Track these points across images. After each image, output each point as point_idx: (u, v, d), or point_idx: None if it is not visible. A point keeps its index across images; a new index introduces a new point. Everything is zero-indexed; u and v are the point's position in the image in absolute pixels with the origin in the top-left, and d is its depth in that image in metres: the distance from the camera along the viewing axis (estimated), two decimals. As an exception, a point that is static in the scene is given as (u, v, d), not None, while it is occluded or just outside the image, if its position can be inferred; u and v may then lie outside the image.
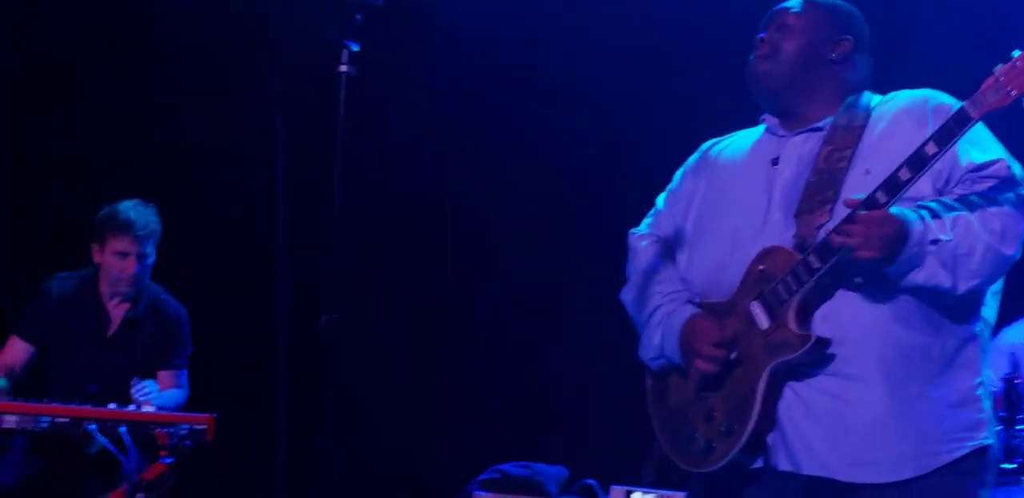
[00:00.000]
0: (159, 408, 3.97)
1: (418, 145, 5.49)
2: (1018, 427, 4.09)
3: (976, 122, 2.27)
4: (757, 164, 2.63)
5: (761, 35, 2.66)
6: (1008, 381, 4.03)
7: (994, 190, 2.39)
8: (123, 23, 5.46)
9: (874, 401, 2.37)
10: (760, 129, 2.73)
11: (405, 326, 5.53)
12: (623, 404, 5.20)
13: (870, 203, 2.31)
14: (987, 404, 2.44)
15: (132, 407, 3.92)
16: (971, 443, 2.39)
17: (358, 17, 2.35)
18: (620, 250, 2.95)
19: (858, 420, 2.37)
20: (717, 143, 2.81)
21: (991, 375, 2.52)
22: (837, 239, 2.32)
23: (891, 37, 3.08)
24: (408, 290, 5.52)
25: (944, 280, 2.32)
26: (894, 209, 2.31)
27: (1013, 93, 2.22)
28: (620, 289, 2.82)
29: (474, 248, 5.51)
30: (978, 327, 2.45)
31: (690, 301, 2.65)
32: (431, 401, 5.47)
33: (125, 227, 4.27)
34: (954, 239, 2.31)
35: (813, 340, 2.36)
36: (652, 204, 2.92)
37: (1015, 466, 4.07)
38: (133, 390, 3.98)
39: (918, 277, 2.32)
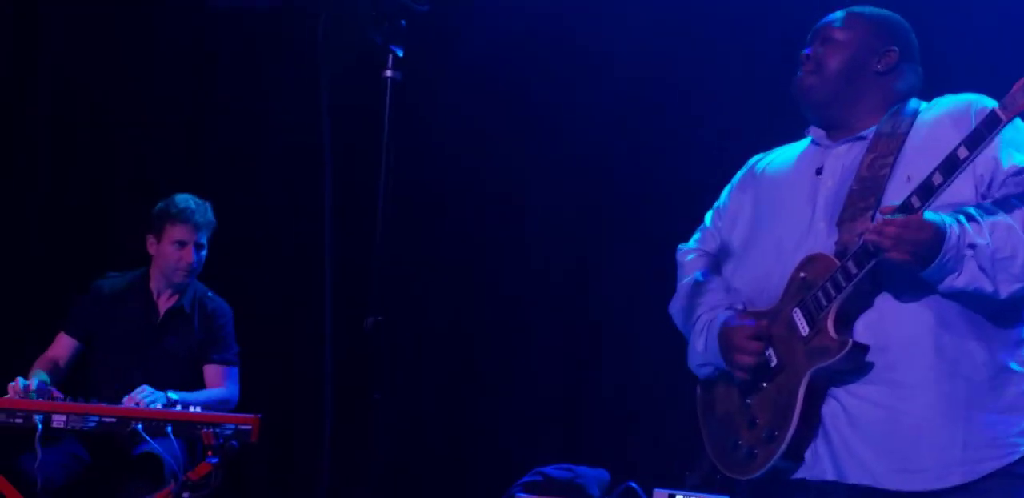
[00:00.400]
0: (204, 408, 4.02)
1: (461, 149, 5.50)
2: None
3: (1006, 124, 2.25)
4: (802, 175, 2.64)
5: (807, 51, 2.65)
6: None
7: None
8: (174, 26, 5.52)
9: (921, 408, 2.36)
10: (806, 141, 2.74)
11: (449, 328, 5.54)
12: (666, 406, 5.19)
13: (905, 208, 2.31)
14: None
15: (179, 407, 3.96)
16: (1021, 449, 2.37)
17: (403, 23, 2.37)
18: (659, 255, 2.97)
19: (904, 427, 2.37)
20: (763, 158, 2.82)
21: None
22: (870, 238, 2.32)
23: (936, 42, 3.07)
24: (452, 292, 5.54)
25: (985, 284, 2.31)
26: (930, 214, 2.30)
27: None
28: (659, 290, 2.84)
29: (516, 251, 5.52)
30: None
31: (733, 307, 2.66)
32: (474, 403, 5.48)
33: (184, 215, 4.36)
34: (992, 243, 2.30)
35: (850, 345, 2.36)
36: (693, 205, 2.93)
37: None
38: (133, 395, 3.99)
39: (957, 282, 2.32)
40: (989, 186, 2.40)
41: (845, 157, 2.58)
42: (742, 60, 5.07)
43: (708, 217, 2.86)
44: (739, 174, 2.84)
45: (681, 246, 2.87)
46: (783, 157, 2.76)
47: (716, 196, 2.89)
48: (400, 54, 2.35)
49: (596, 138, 5.39)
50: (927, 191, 2.29)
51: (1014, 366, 2.40)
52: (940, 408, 2.36)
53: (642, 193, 5.33)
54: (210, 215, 4.44)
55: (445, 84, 5.38)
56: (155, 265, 4.44)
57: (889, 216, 2.30)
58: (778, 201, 2.65)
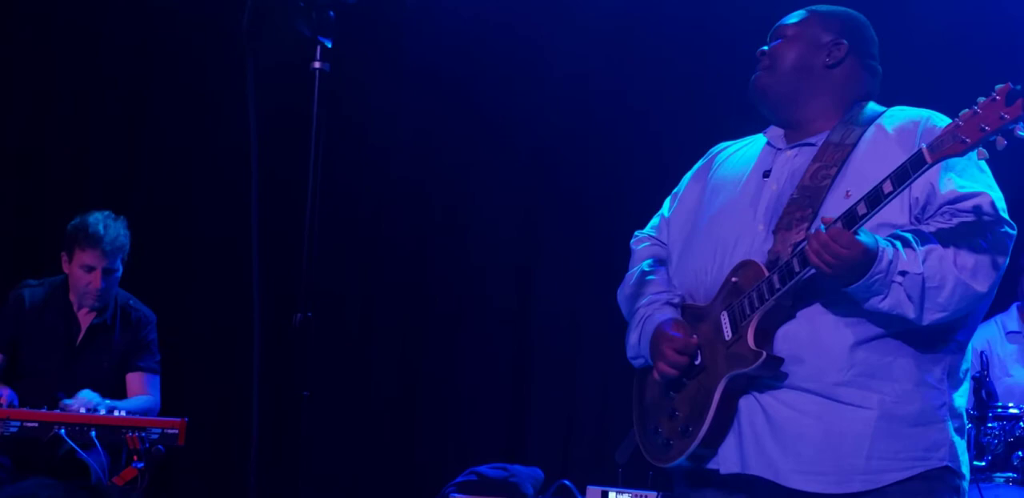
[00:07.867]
0: (129, 412, 3.94)
1: (392, 143, 5.46)
2: (989, 424, 4.12)
3: (931, 167, 2.24)
4: (751, 175, 2.64)
5: (763, 48, 2.65)
6: (978, 380, 4.07)
7: (972, 225, 2.36)
8: (95, 26, 5.41)
9: (832, 416, 2.38)
10: (764, 140, 2.72)
11: (381, 326, 5.50)
12: (599, 406, 5.21)
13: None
14: (951, 425, 2.42)
15: (102, 411, 3.88)
16: (925, 463, 2.38)
17: (331, 14, 2.33)
18: (600, 260, 2.96)
19: (814, 432, 2.39)
20: (724, 149, 2.81)
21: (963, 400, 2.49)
22: (804, 238, 2.33)
23: (903, 47, 3.04)
24: (384, 289, 5.50)
25: (909, 311, 2.32)
26: (865, 236, 2.30)
27: (968, 141, 2.18)
28: (597, 297, 2.84)
29: (450, 246, 5.50)
30: (949, 349, 2.44)
31: (671, 303, 2.67)
32: (407, 402, 5.45)
33: (93, 241, 4.21)
34: (924, 272, 2.31)
35: (764, 357, 2.39)
36: (633, 213, 2.94)
37: (985, 463, 4.10)
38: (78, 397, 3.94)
39: (882, 304, 2.33)
40: (924, 209, 2.41)
41: (793, 162, 2.57)
42: (684, 66, 5.10)
43: (665, 203, 2.86)
44: (699, 163, 2.83)
45: (637, 233, 2.88)
46: (740, 152, 2.75)
47: (659, 204, 2.88)
48: (329, 45, 2.31)
49: (538, 135, 5.39)
50: (851, 219, 2.30)
51: (929, 381, 2.41)
52: (852, 418, 2.38)
53: (586, 195, 5.34)
54: (122, 238, 4.26)
55: (382, 80, 5.34)
56: (70, 282, 4.33)
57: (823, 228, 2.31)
58: (725, 198, 2.65)
